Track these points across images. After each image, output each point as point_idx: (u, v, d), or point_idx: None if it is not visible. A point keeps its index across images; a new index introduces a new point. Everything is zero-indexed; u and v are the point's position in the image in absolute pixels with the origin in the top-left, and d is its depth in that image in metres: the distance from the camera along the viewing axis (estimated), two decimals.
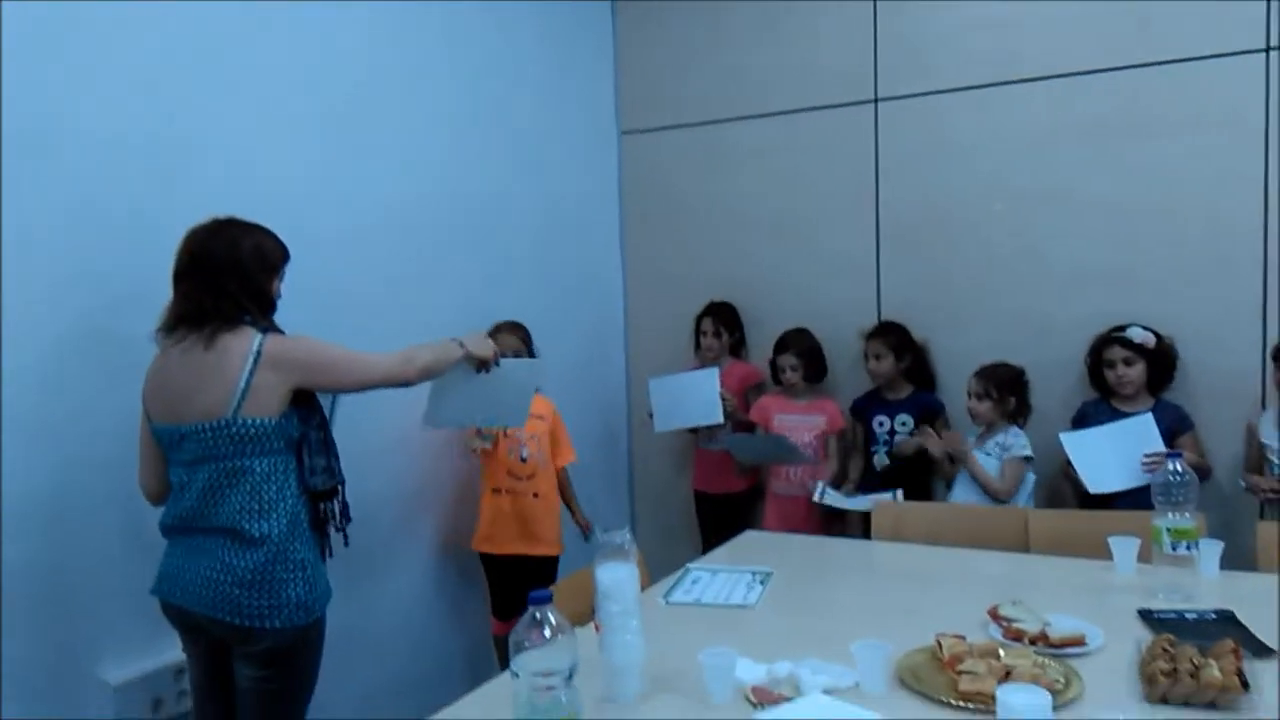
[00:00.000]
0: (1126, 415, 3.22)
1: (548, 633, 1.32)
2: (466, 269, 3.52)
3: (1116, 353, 3.25)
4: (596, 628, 1.76)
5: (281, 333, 2.20)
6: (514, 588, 3.26)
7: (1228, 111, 3.23)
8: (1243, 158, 3.22)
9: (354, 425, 2.52)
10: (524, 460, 3.31)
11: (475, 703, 1.75)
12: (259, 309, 2.16)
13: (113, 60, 2.41)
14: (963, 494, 3.32)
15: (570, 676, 1.32)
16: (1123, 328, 3.26)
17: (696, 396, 3.78)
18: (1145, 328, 3.24)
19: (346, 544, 2.34)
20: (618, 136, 4.37)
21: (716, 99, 4.13)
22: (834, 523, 3.73)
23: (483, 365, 2.51)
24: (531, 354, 3.38)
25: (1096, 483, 3.08)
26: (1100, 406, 3.33)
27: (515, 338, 3.36)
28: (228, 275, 2.11)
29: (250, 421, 2.07)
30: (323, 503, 2.28)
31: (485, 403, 2.66)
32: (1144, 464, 2.99)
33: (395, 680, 3.21)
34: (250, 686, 2.14)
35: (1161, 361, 3.25)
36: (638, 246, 4.40)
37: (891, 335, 3.66)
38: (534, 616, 1.33)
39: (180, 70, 2.57)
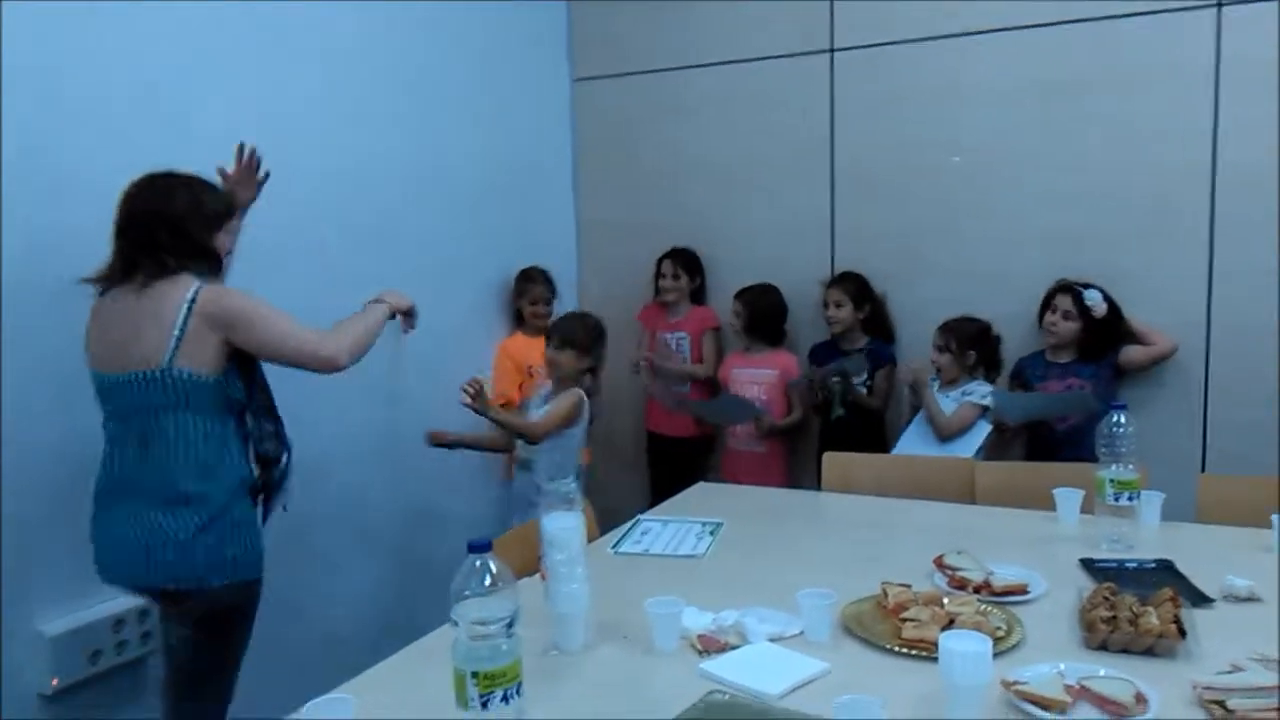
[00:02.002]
0: (1059, 369, 3.28)
1: (487, 581, 1.29)
2: (417, 219, 3.44)
3: (1062, 301, 3.30)
4: (542, 576, 1.74)
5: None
6: None
7: (1178, 66, 3.24)
8: (1193, 112, 3.24)
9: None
10: None
11: (416, 653, 1.72)
12: (203, 264, 2.07)
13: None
14: (911, 444, 3.35)
15: (511, 625, 1.30)
16: (1084, 285, 3.29)
17: None
18: (1106, 296, 3.27)
19: (285, 510, 2.26)
20: (570, 83, 4.27)
21: (672, 47, 4.06)
22: (791, 474, 3.76)
23: (407, 317, 2.41)
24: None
25: None
26: (1035, 360, 3.39)
27: (547, 289, 3.76)
28: (160, 229, 2.03)
29: (184, 373, 2.00)
30: (268, 469, 2.18)
31: None
32: None
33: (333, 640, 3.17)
34: (180, 647, 2.10)
35: (1103, 331, 3.28)
36: (591, 195, 4.33)
37: (851, 284, 3.66)
38: (474, 565, 1.30)
39: (140, 26, 2.49)
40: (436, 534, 3.47)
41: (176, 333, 1.98)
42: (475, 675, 1.27)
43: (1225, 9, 3.17)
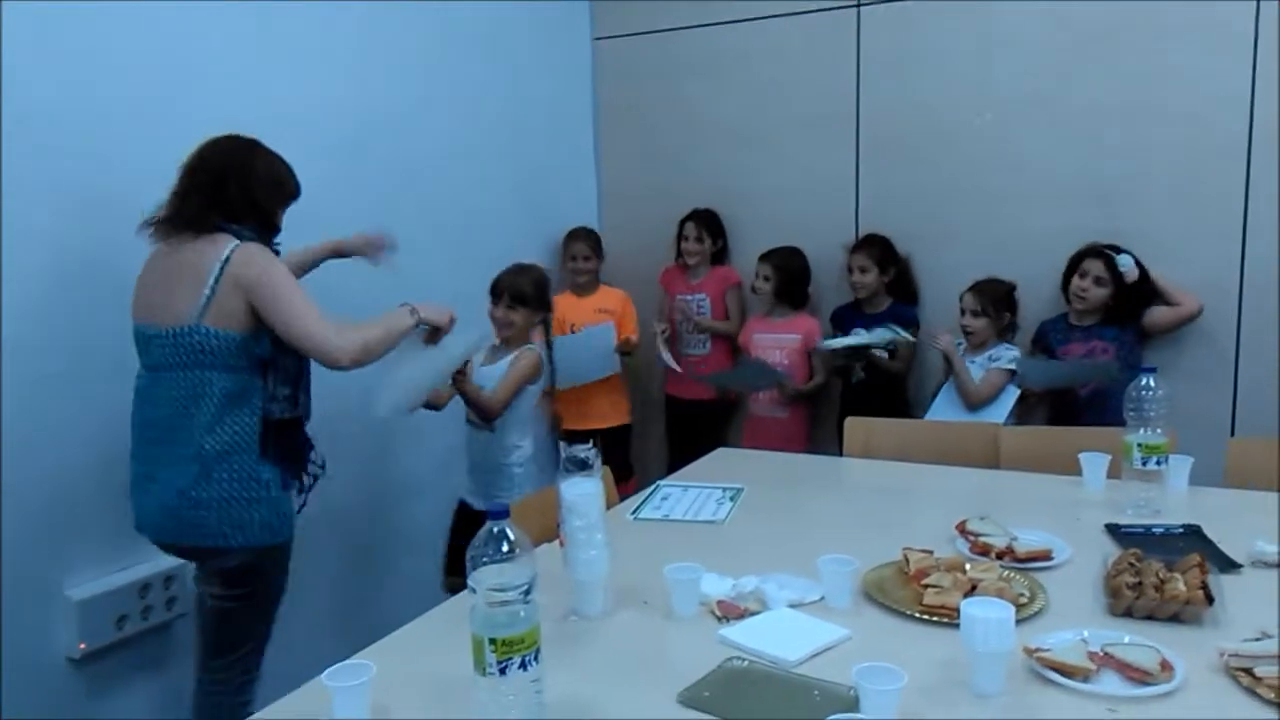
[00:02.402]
0: (1082, 333, 3.23)
1: (505, 548, 1.28)
2: (436, 179, 3.42)
3: (1093, 266, 3.22)
4: (561, 543, 1.73)
5: (273, 250, 2.14)
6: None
7: (1216, 22, 3.15)
8: (1229, 69, 3.15)
9: None
10: None
11: (438, 617, 1.73)
12: (254, 226, 2.10)
13: None
14: (941, 412, 3.31)
15: (529, 591, 1.29)
16: (1115, 248, 3.22)
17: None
18: (1138, 262, 3.20)
19: (315, 479, 2.28)
20: (591, 42, 4.21)
21: (693, 3, 3.98)
22: (813, 440, 3.74)
23: (434, 334, 2.36)
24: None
25: None
26: (1058, 324, 3.34)
27: (587, 245, 3.90)
28: (232, 180, 2.06)
29: (212, 332, 2.01)
30: (282, 433, 2.17)
31: None
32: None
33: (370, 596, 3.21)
34: (213, 605, 2.14)
35: (1132, 295, 3.21)
36: (612, 155, 4.29)
37: (876, 248, 3.61)
38: (491, 531, 1.30)
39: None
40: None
41: (207, 292, 2.00)
42: (493, 642, 1.27)
43: None
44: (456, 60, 3.50)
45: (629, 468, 3.98)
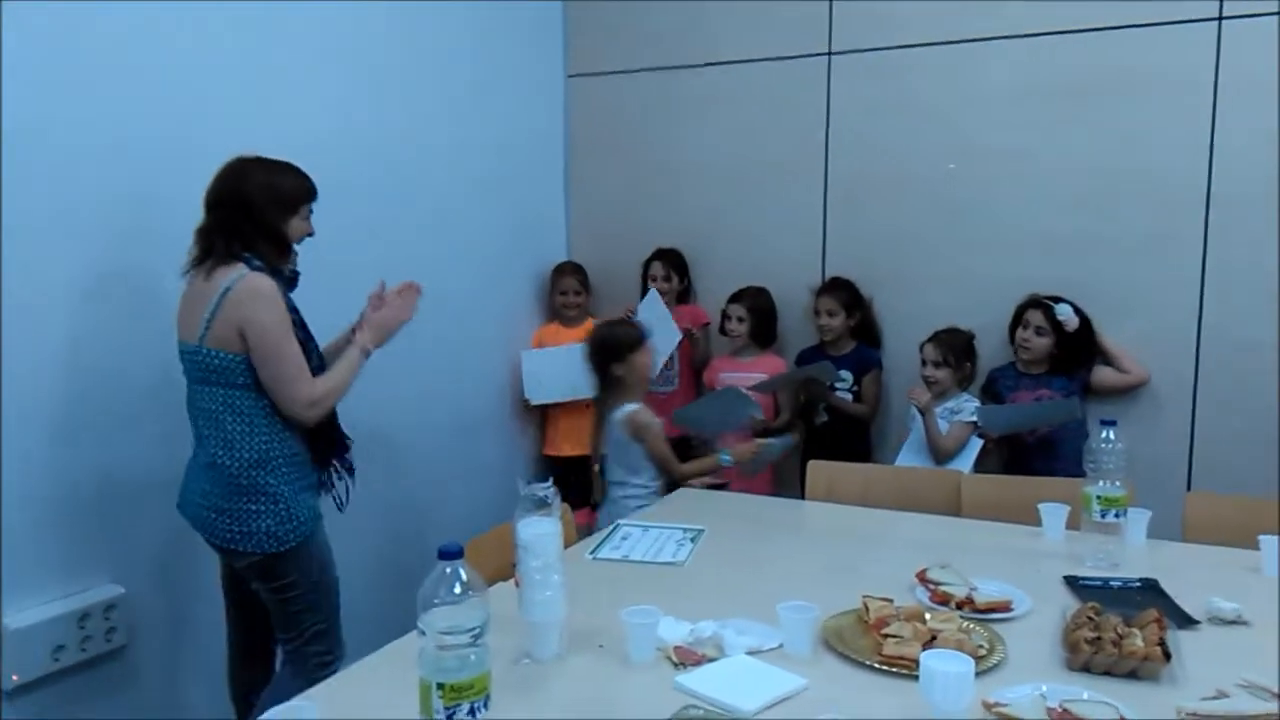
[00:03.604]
0: (1030, 381, 3.29)
1: (457, 589, 1.25)
2: (406, 213, 3.39)
3: (1034, 317, 3.28)
4: (516, 583, 1.69)
5: (285, 274, 2.24)
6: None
7: (1178, 78, 3.22)
8: (1191, 124, 3.22)
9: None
10: None
11: (383, 660, 1.68)
12: (271, 247, 2.20)
13: None
14: (908, 463, 3.32)
15: (480, 635, 1.26)
16: (1055, 299, 3.27)
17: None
18: (1078, 311, 3.25)
19: (351, 474, 2.43)
20: (564, 80, 4.23)
21: (667, 45, 4.02)
22: (776, 480, 3.72)
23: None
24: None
25: None
26: (1006, 371, 3.39)
27: (576, 280, 4.06)
28: (236, 209, 2.17)
29: (213, 353, 2.14)
30: (319, 443, 2.34)
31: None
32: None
33: None
34: (265, 596, 2.29)
35: (1076, 346, 3.27)
36: (583, 193, 4.29)
37: (843, 291, 3.64)
38: (444, 571, 1.26)
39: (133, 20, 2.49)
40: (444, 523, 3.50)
41: (206, 316, 2.13)
42: (441, 687, 1.23)
43: (1225, 23, 3.15)
44: (430, 93, 3.49)
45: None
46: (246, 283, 2.13)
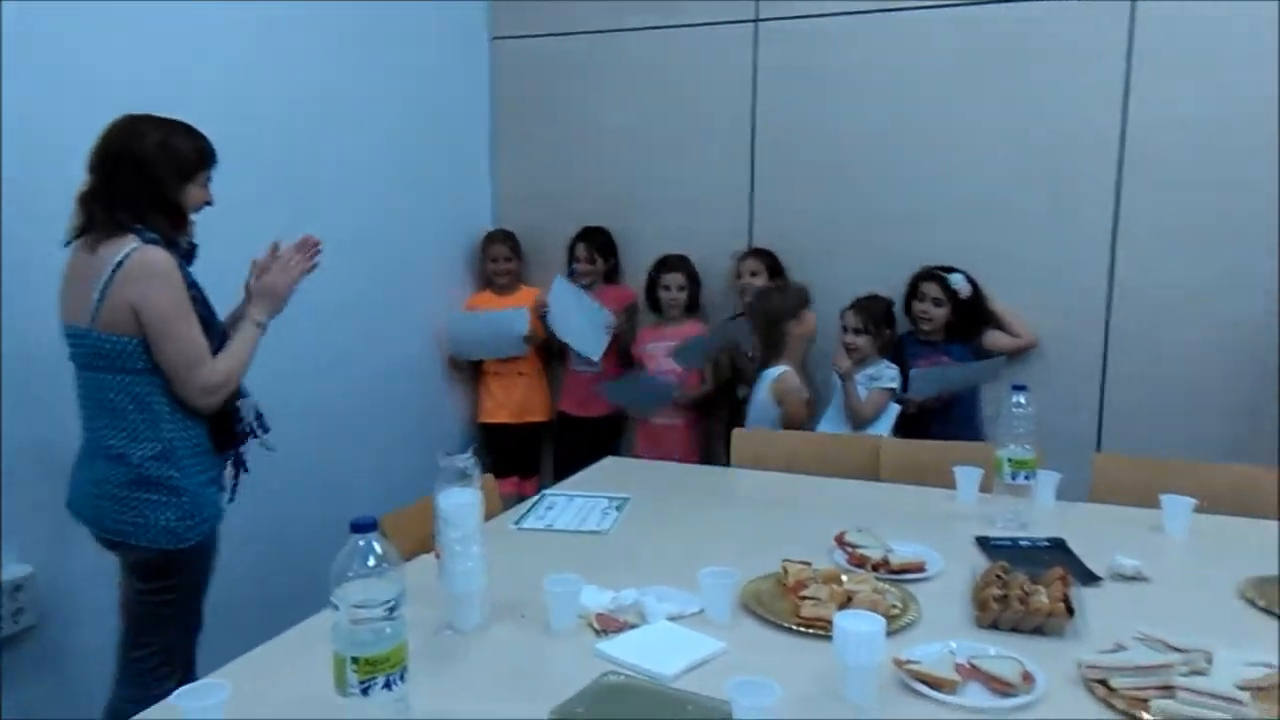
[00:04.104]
0: (929, 349, 3.40)
1: (370, 562, 1.23)
2: (325, 180, 3.30)
3: (929, 289, 3.39)
4: (437, 555, 1.68)
5: (182, 247, 2.06)
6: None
7: (1091, 49, 3.30)
8: (1104, 95, 3.31)
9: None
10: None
11: (298, 635, 1.65)
12: (163, 218, 2.01)
13: None
14: (830, 426, 3.37)
15: (395, 608, 1.24)
16: (947, 269, 3.37)
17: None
18: (969, 279, 3.36)
19: (244, 468, 2.25)
20: (489, 42, 4.15)
21: (595, 8, 3.97)
22: (705, 450, 3.76)
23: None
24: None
25: None
26: (907, 340, 3.49)
27: (507, 247, 4.02)
28: (126, 171, 1.97)
29: (105, 336, 1.97)
30: (232, 422, 2.17)
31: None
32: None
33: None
34: (130, 595, 2.12)
35: (970, 314, 3.40)
36: (510, 159, 4.23)
37: (766, 257, 3.68)
38: (356, 545, 1.24)
39: None
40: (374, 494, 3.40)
41: (96, 297, 1.95)
42: (355, 660, 1.22)
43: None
44: (351, 57, 3.40)
45: (535, 465, 4.16)
46: (139, 258, 1.95)
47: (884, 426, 3.30)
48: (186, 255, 2.09)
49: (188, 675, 2.08)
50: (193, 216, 2.12)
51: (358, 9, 3.41)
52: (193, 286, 2.05)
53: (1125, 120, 3.29)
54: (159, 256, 1.97)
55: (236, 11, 2.94)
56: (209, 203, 2.13)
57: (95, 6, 2.52)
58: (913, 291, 3.45)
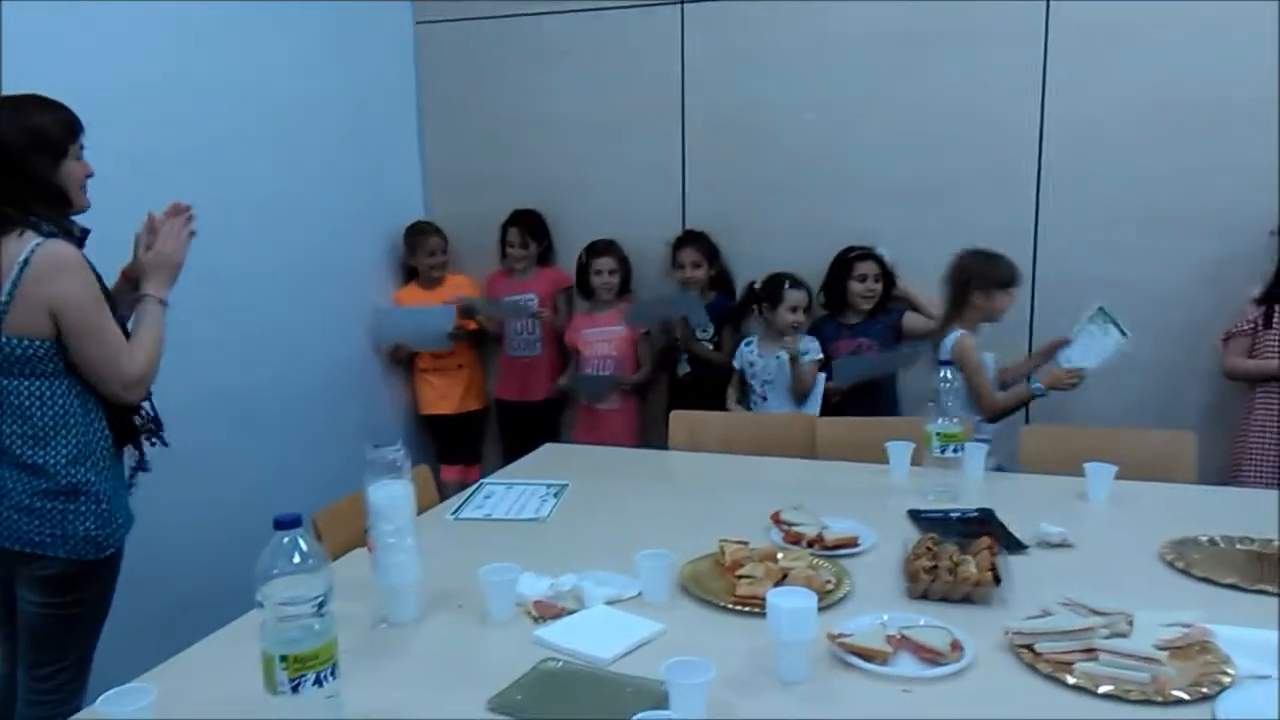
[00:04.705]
0: (849, 330, 3.46)
1: (296, 559, 1.21)
2: (246, 170, 3.21)
3: (868, 267, 3.42)
4: (369, 548, 1.66)
5: (75, 235, 1.94)
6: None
7: (1011, 23, 3.35)
8: (1024, 68, 3.37)
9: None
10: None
11: (226, 636, 1.62)
12: (45, 204, 1.89)
13: None
14: (775, 406, 3.40)
15: (324, 604, 1.23)
16: (870, 248, 3.44)
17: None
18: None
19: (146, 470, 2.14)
20: (413, 26, 4.08)
21: None
22: (645, 433, 3.77)
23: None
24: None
25: None
26: (827, 324, 3.51)
27: (439, 238, 3.94)
28: None
29: (15, 341, 1.85)
30: (129, 416, 2.06)
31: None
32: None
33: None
34: (34, 612, 1.97)
35: (886, 292, 3.47)
36: (439, 147, 4.17)
37: (704, 242, 3.68)
38: (281, 541, 1.22)
39: None
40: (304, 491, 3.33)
41: (4, 298, 1.83)
42: (284, 659, 1.20)
43: None
44: (271, 43, 3.31)
45: (477, 452, 4.12)
46: (46, 254, 1.83)
47: (817, 398, 3.34)
48: (79, 242, 1.97)
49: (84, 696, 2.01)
50: (87, 195, 2.00)
51: None
52: (97, 276, 1.95)
53: (1044, 99, 3.35)
54: (67, 250, 1.87)
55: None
56: (89, 174, 1.99)
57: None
58: (846, 271, 3.46)
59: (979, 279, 3.05)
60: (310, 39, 3.50)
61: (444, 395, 4.02)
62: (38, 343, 1.86)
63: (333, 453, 3.55)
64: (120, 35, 2.75)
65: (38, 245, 1.84)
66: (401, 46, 4.06)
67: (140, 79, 2.80)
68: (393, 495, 1.62)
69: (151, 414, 2.11)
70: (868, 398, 3.34)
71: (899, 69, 3.49)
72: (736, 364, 3.49)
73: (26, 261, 1.83)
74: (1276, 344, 2.95)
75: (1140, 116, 3.27)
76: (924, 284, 3.48)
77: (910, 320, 3.49)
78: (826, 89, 3.58)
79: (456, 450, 4.07)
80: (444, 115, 4.13)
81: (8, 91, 2.00)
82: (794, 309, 3.40)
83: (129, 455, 2.12)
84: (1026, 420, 3.29)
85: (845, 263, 3.47)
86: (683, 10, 3.72)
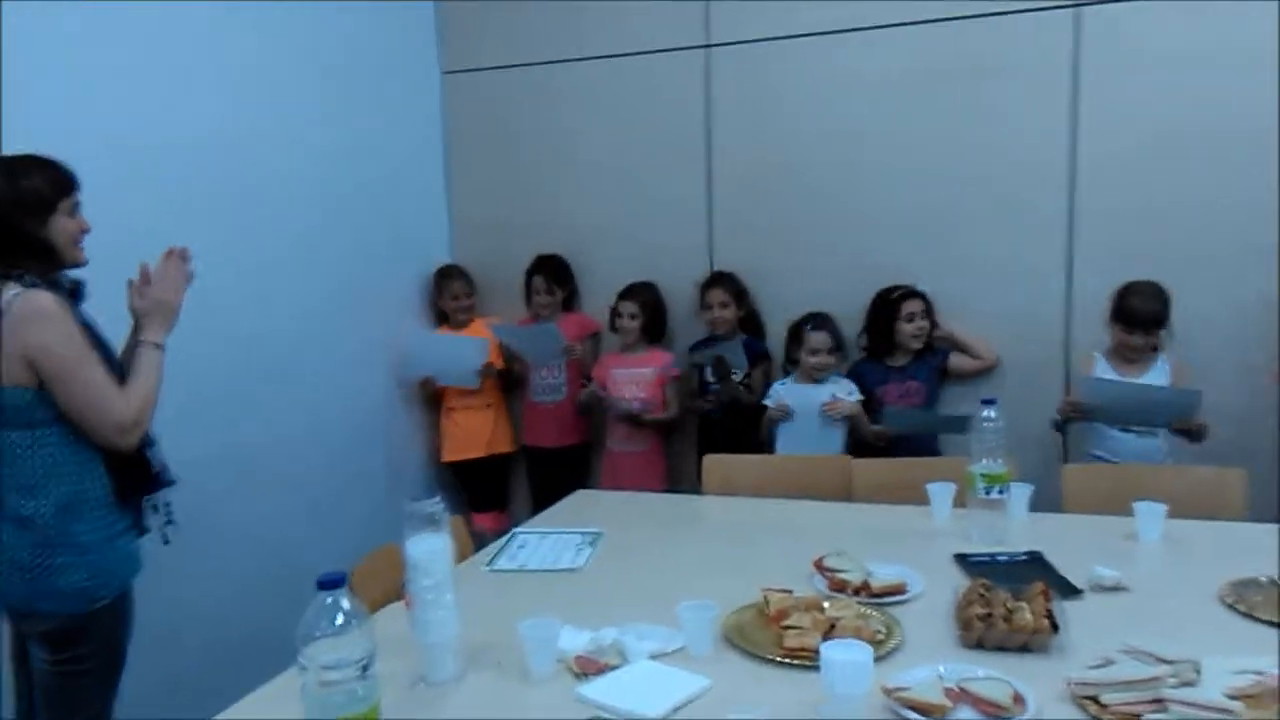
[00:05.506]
0: (899, 373, 3.39)
1: (339, 620, 1.18)
2: (276, 220, 3.24)
3: (916, 305, 3.37)
4: (407, 604, 1.63)
5: (64, 285, 1.95)
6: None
7: (1039, 63, 3.33)
8: (1051, 104, 3.34)
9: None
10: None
11: (264, 700, 1.58)
12: (33, 260, 1.90)
13: None
14: (787, 447, 3.36)
15: (367, 667, 1.19)
16: (912, 286, 3.40)
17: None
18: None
19: (169, 519, 2.11)
20: (440, 77, 4.12)
21: (543, 39, 3.96)
22: (672, 476, 3.73)
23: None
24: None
25: None
26: (874, 366, 3.44)
27: (464, 283, 4.00)
28: None
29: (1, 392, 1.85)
30: (125, 471, 2.02)
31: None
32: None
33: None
34: (43, 669, 1.96)
35: (932, 323, 3.43)
36: (465, 192, 4.19)
37: (732, 283, 3.66)
38: (324, 603, 1.19)
39: None
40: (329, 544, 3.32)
41: None
42: None
43: (1080, 9, 3.27)
44: (301, 93, 3.34)
45: (506, 497, 4.10)
46: (24, 304, 1.84)
47: (837, 439, 3.31)
48: (72, 294, 1.98)
49: None
50: (82, 249, 1.99)
51: (307, 45, 3.37)
52: (86, 325, 1.95)
53: (1075, 133, 3.32)
54: (45, 299, 1.87)
55: (188, 49, 2.89)
56: (86, 230, 1.99)
57: (60, 49, 2.48)
58: (891, 312, 3.38)
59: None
60: (340, 87, 3.54)
61: (472, 437, 3.97)
62: (21, 390, 1.86)
63: (358, 503, 3.54)
64: (153, 85, 2.78)
65: (16, 295, 1.86)
66: (429, 95, 4.10)
67: (173, 130, 2.83)
68: (431, 549, 1.58)
69: (158, 466, 2.08)
70: (907, 438, 3.29)
71: (923, 106, 3.48)
72: (769, 402, 3.44)
73: (2, 312, 1.84)
74: None
75: (1175, 149, 3.22)
76: (958, 322, 3.46)
77: (958, 361, 3.43)
78: (852, 126, 3.57)
79: (487, 496, 4.03)
80: (470, 161, 4.16)
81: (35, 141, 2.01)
82: (814, 351, 3.36)
83: (159, 506, 2.09)
84: (1065, 460, 3.22)
85: (890, 303, 3.40)
86: (709, 53, 3.74)
